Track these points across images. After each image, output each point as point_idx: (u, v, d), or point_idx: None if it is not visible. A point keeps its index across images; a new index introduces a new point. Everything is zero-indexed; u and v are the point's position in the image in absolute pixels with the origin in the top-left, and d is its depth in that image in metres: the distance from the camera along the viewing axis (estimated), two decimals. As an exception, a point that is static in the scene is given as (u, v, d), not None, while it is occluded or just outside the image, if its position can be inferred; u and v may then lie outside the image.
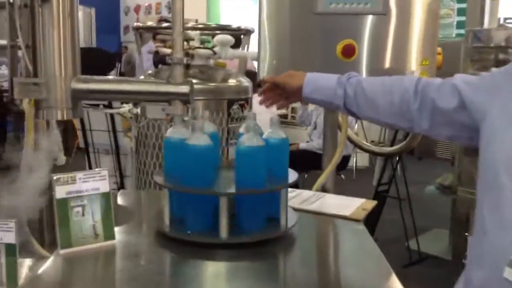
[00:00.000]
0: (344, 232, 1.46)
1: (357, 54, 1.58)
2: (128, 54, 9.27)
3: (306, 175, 4.64)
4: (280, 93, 1.40)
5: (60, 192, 1.21)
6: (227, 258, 1.24)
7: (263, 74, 1.69)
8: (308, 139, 4.79)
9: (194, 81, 2.09)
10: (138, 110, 1.31)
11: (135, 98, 1.34)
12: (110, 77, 1.35)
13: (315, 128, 4.57)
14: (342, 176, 4.75)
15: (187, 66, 1.32)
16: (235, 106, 2.09)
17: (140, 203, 1.65)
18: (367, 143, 2.71)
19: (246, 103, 2.15)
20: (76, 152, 5.17)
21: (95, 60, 2.13)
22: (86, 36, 8.41)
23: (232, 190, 1.26)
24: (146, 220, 1.46)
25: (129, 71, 7.92)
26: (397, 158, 3.87)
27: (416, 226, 4.05)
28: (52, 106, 1.31)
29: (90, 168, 2.64)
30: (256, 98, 2.40)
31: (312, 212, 1.57)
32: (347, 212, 1.55)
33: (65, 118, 1.34)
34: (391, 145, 3.51)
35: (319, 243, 1.39)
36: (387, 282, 1.17)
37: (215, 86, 2.07)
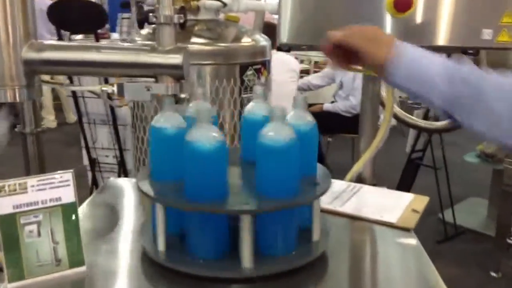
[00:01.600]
0: (390, 247, 1.11)
1: (414, 8, 1.17)
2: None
3: (330, 139, 4.27)
4: (344, 54, 0.99)
5: (4, 205, 0.88)
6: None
7: (284, 38, 1.29)
8: (332, 98, 4.38)
9: (200, 40, 1.71)
10: (114, 89, 0.94)
11: (109, 72, 0.98)
12: (74, 43, 1.02)
13: (341, 87, 4.15)
14: (370, 139, 4.36)
15: (182, 25, 0.94)
16: (249, 72, 1.71)
17: (126, 204, 1.30)
18: (413, 117, 2.31)
19: (263, 67, 1.76)
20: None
21: (82, 14, 1.77)
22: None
23: (253, 201, 0.91)
24: (132, 232, 1.12)
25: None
26: (435, 119, 3.45)
27: (452, 196, 3.70)
28: (-3, 84, 0.97)
29: (86, 142, 2.32)
30: (275, 55, 2.00)
31: (347, 216, 1.22)
32: (392, 217, 1.20)
33: (17, 99, 0.99)
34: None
35: (357, 267, 1.05)
36: None
37: (225, 47, 1.68)
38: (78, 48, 0.98)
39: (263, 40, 1.78)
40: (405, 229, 1.16)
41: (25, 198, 0.90)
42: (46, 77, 1.06)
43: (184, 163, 0.90)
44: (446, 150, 3.57)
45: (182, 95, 1.05)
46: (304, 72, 6.11)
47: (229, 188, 0.92)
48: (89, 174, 2.49)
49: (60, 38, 2.08)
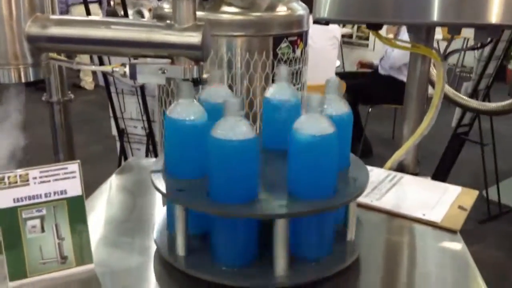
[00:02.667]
0: (431, 253, 0.98)
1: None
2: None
3: (370, 109, 4.08)
4: None
5: (4, 199, 0.81)
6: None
7: (321, 13, 1.13)
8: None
9: (230, 10, 1.58)
10: (126, 70, 0.84)
11: (119, 51, 0.87)
12: (82, 17, 0.92)
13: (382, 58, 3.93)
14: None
15: None
16: (284, 44, 1.57)
17: (145, 189, 1.20)
18: (464, 97, 2.12)
19: (299, 39, 1.61)
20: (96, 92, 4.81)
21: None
22: None
23: (288, 203, 0.80)
24: (150, 223, 1.04)
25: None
26: (484, 94, 3.21)
27: (499, 173, 3.49)
28: (1, 64, 0.88)
29: (114, 112, 2.25)
30: (313, 28, 1.84)
31: (384, 212, 1.10)
32: (437, 216, 1.07)
33: (22, 79, 0.90)
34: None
35: (391, 276, 0.93)
36: None
37: (258, 17, 1.54)
38: (87, 23, 0.88)
39: (300, 9, 1.62)
40: (451, 230, 1.03)
41: (26, 191, 0.82)
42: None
43: (208, 161, 0.80)
44: (495, 124, 3.34)
45: (204, 76, 0.94)
46: (347, 36, 5.86)
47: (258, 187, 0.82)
48: (118, 145, 2.44)
49: (86, 1, 1.97)
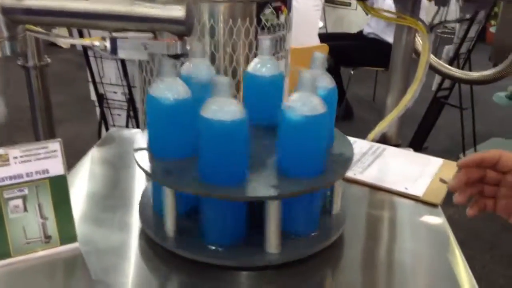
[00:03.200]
0: (412, 228, 1.00)
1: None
2: None
3: (352, 72, 4.07)
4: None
5: (-16, 179, 0.79)
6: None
7: None
8: (364, 25, 4.11)
9: (213, -27, 1.53)
10: (107, 44, 0.81)
11: (98, 24, 0.83)
12: None
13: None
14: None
15: None
16: (267, 10, 1.53)
17: (128, 162, 1.18)
18: (447, 66, 2.11)
19: (283, 4, 1.57)
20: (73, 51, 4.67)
21: None
22: None
23: (279, 184, 0.79)
24: (134, 199, 1.03)
25: None
26: (465, 57, 3.22)
27: (476, 136, 3.55)
28: (-27, 36, 0.84)
29: (92, 77, 2.19)
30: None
31: (367, 185, 1.11)
32: (418, 189, 1.09)
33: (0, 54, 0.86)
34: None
35: (373, 252, 0.94)
36: None
37: (241, -18, 1.49)
38: (64, -6, 0.83)
39: (284, -27, 1.58)
40: (432, 204, 1.05)
41: (7, 171, 0.80)
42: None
43: (198, 141, 0.79)
44: (474, 88, 3.38)
45: (188, 48, 0.91)
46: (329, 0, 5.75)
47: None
48: (97, 110, 2.40)
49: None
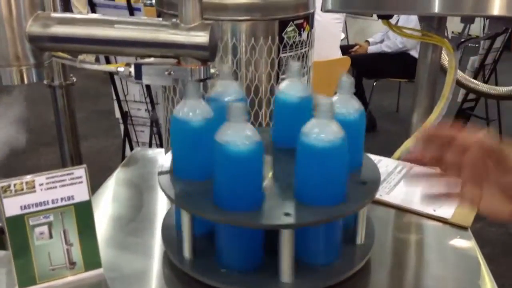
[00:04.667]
0: (441, 252, 0.97)
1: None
2: None
3: (375, 83, 4.03)
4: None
5: (11, 207, 0.80)
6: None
7: (329, 5, 1.08)
8: (378, 34, 4.08)
9: (234, -8, 1.53)
10: (132, 70, 0.81)
11: (124, 51, 0.84)
12: (85, 16, 0.88)
13: (396, 22, 3.83)
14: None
15: None
16: (290, 28, 1.52)
17: (153, 183, 1.18)
18: (474, 81, 2.07)
19: (305, 21, 1.57)
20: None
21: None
22: None
23: (295, 211, 0.78)
24: (158, 222, 1.03)
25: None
26: (491, 68, 3.16)
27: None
28: (1, 65, 0.85)
29: (117, 95, 2.21)
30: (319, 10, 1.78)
31: (394, 207, 1.09)
32: (447, 211, 1.06)
33: (25, 81, 0.88)
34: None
35: (401, 278, 0.92)
36: None
37: (263, 1, 1.49)
38: (90, 22, 0.84)
39: (306, -10, 1.57)
40: (462, 227, 1.02)
41: (33, 198, 0.80)
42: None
43: (213, 166, 0.78)
44: (501, 101, 3.31)
45: (212, 70, 0.91)
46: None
47: (264, 192, 0.80)
48: (121, 127, 2.42)
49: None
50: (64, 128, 2.07)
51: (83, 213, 0.84)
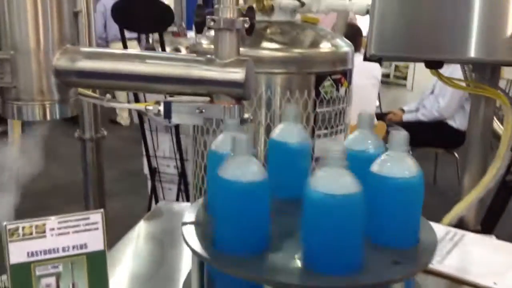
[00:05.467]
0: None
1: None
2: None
3: (410, 152, 3.90)
4: None
5: (17, 253, 0.71)
6: None
7: (373, 49, 1.02)
8: (413, 104, 4.00)
9: (272, 46, 1.49)
10: (161, 109, 0.74)
11: (154, 88, 0.78)
12: (115, 50, 0.86)
13: (432, 92, 3.77)
14: (456, 154, 3.94)
15: (249, 30, 0.72)
16: (327, 83, 1.46)
17: (176, 238, 1.07)
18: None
19: (343, 77, 1.51)
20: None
21: (147, 12, 1.62)
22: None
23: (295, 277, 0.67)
24: (180, 279, 0.92)
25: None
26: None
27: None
28: (24, 99, 0.80)
29: (147, 151, 2.18)
30: (358, 58, 1.73)
31: (447, 277, 0.95)
32: (509, 284, 0.91)
33: (47, 117, 0.82)
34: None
35: None
36: None
37: (300, 54, 1.45)
38: (120, 56, 0.80)
39: (345, 46, 1.52)
40: (528, 304, 0.87)
41: (42, 244, 0.72)
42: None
43: (214, 204, 0.69)
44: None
45: (246, 115, 0.84)
46: (384, 76, 5.74)
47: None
48: (149, 183, 2.36)
49: (123, 38, 1.96)
50: (91, 183, 2.02)
51: (96, 265, 0.74)
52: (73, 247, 0.73)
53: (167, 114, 0.78)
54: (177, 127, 2.04)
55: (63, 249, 0.73)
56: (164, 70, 0.76)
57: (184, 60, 0.77)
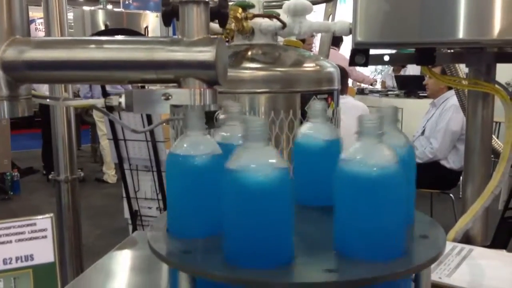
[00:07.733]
0: None
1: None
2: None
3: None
4: None
5: None
6: None
7: (360, 36, 0.95)
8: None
9: (254, 65, 1.43)
10: (121, 100, 0.65)
11: (114, 76, 0.69)
12: (68, 37, 0.79)
13: (422, 133, 3.75)
14: (451, 195, 3.84)
15: (221, 18, 0.65)
16: (315, 103, 1.38)
17: (154, 265, 0.96)
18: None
19: (330, 97, 1.44)
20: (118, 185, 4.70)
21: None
22: None
23: (330, 263, 0.56)
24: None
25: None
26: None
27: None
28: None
29: (127, 192, 2.06)
30: (344, 99, 1.67)
31: (459, 291, 0.84)
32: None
33: (-5, 117, 0.72)
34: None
35: None
36: None
37: (283, 72, 1.38)
38: (73, 43, 0.71)
39: (330, 66, 1.46)
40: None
41: (-22, 256, 0.60)
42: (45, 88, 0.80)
43: (223, 207, 0.58)
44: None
45: (221, 116, 0.75)
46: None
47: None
48: (130, 229, 2.22)
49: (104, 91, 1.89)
50: (66, 228, 1.89)
51: (45, 280, 0.62)
52: (17, 259, 0.62)
53: (129, 105, 0.69)
54: (158, 165, 1.93)
55: (4, 262, 0.61)
56: (124, 55, 0.68)
57: (146, 42, 0.69)
